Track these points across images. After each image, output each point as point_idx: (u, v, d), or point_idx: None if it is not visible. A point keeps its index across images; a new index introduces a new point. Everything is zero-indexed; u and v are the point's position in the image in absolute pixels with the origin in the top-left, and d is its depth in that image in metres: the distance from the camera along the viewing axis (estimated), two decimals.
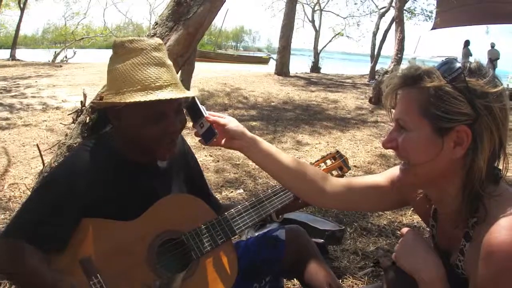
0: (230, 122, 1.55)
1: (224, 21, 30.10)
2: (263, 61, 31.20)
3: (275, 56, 19.01)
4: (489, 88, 1.14)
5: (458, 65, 1.16)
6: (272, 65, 22.19)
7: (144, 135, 1.52)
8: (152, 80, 1.47)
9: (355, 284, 2.81)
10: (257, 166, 5.26)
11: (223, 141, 1.56)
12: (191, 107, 1.59)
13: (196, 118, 1.57)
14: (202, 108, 1.57)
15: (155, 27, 2.55)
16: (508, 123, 1.18)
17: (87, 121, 2.29)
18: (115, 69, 1.51)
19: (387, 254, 2.90)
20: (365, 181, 1.58)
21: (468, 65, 1.17)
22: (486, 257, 1.10)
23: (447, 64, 1.18)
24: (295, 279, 2.62)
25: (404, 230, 1.35)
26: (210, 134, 1.53)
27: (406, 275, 1.26)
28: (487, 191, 1.17)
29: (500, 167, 1.24)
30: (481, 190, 1.17)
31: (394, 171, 1.46)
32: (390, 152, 6.42)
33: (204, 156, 5.67)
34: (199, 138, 1.57)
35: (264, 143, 1.57)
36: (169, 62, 1.57)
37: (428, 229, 1.51)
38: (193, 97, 1.57)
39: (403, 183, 1.33)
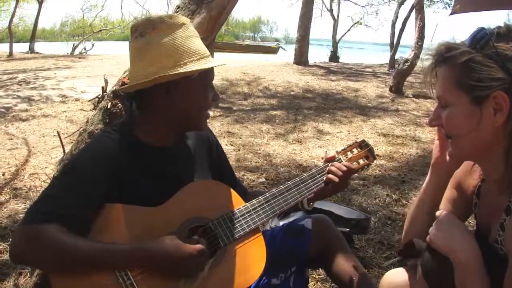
0: None
1: (234, 10, 30.18)
2: (272, 50, 30.82)
3: (285, 46, 18.84)
4: None
5: (485, 32, 1.16)
6: (281, 55, 22.00)
7: (201, 104, 1.59)
8: (204, 51, 1.55)
9: (381, 274, 2.74)
10: (278, 154, 5.32)
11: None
12: None
13: None
14: None
15: (177, 10, 2.48)
16: None
17: (109, 106, 2.26)
18: (162, 44, 1.49)
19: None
20: (444, 203, 1.53)
21: (496, 31, 1.16)
22: None
23: (475, 35, 1.18)
24: (320, 269, 2.57)
25: (439, 212, 1.35)
26: None
27: (441, 256, 1.28)
28: None
29: None
30: None
31: (455, 176, 1.48)
32: (411, 141, 6.34)
33: (225, 145, 5.65)
34: None
35: None
36: None
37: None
38: None
39: (453, 157, 1.32)
